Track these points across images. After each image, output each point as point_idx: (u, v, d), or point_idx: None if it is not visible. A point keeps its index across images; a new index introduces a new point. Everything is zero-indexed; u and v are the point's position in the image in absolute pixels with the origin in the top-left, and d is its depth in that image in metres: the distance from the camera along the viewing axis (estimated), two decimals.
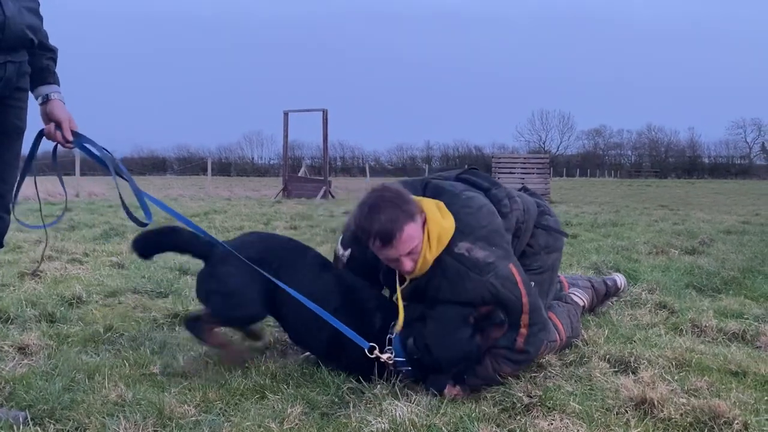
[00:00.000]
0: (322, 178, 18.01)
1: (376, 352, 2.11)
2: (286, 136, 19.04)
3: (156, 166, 78.26)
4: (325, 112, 18.01)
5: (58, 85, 2.02)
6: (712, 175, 74.06)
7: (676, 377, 2.22)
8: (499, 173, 18.65)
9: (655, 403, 1.85)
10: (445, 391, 2.08)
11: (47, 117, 1.98)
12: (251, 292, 2.32)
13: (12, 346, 2.47)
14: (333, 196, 17.55)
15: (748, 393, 2.06)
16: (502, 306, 2.14)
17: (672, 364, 2.33)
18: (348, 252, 2.44)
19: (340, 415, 1.90)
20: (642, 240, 6.29)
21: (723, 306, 3.25)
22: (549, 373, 2.25)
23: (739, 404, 1.91)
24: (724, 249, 5.60)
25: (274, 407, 1.93)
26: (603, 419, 1.83)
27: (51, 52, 1.99)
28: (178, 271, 4.23)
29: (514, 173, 18.51)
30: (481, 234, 2.17)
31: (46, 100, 1.98)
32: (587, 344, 2.59)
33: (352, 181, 31.60)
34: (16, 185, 1.97)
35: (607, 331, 2.76)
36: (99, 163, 2.21)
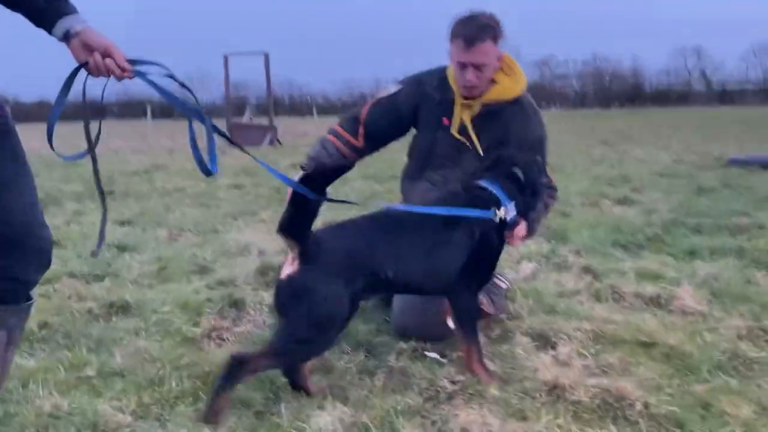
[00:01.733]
0: (268, 124, 17.70)
1: (500, 212, 2.20)
2: (227, 81, 18.52)
3: (96, 111, 75.07)
4: (266, 56, 17.55)
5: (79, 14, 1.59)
6: (655, 103, 75.68)
7: (592, 350, 2.38)
8: None
9: (567, 386, 1.99)
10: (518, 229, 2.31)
11: (83, 49, 1.57)
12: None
13: None
14: (280, 143, 17.33)
15: (655, 367, 2.22)
16: (543, 155, 2.55)
17: (589, 337, 2.48)
18: (397, 88, 2.65)
19: (273, 414, 1.98)
20: (577, 189, 6.49)
21: (644, 266, 3.44)
22: None
23: (643, 382, 2.07)
24: (653, 198, 5.85)
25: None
26: (519, 405, 1.96)
27: None
28: (117, 248, 4.18)
29: None
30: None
31: (73, 34, 1.55)
32: (513, 318, 2.73)
33: (300, 123, 31.12)
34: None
35: (531, 301, 2.91)
36: (166, 97, 1.79)
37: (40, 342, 2.61)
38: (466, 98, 2.50)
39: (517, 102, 2.52)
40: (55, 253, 3.95)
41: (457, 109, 2.53)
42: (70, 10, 1.57)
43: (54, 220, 5.26)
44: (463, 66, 2.41)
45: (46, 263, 1.81)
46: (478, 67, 2.39)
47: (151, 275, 3.59)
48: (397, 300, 2.52)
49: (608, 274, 3.35)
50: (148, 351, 2.47)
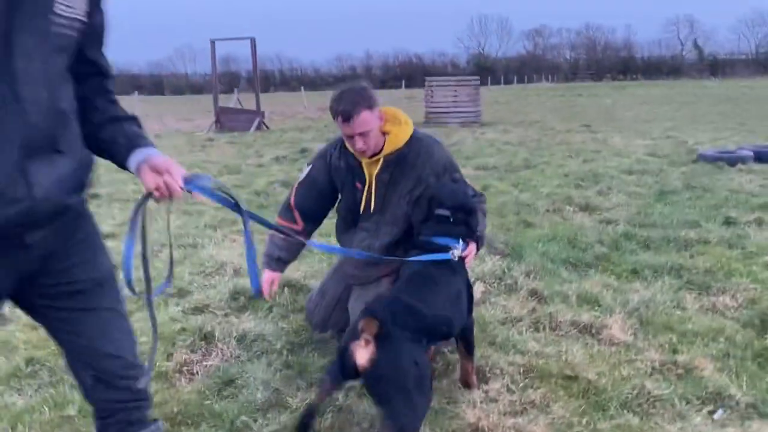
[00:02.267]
0: (255, 109, 17.81)
1: (456, 252, 2.51)
2: (214, 66, 18.57)
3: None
4: (253, 41, 17.59)
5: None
6: (645, 75, 75.70)
7: (521, 385, 2.68)
8: (432, 97, 18.83)
9: (486, 428, 2.29)
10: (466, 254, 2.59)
11: (151, 173, 1.59)
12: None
13: None
14: (267, 127, 17.50)
15: (571, 403, 2.52)
16: (455, 170, 2.84)
17: (520, 371, 2.77)
18: (309, 168, 2.99)
19: None
20: (547, 191, 6.77)
21: (586, 290, 3.71)
22: None
23: (556, 421, 2.37)
24: (616, 203, 6.13)
25: None
26: None
27: (133, 120, 1.69)
28: None
29: (446, 97, 18.69)
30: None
31: (142, 162, 1.60)
32: (454, 352, 3.02)
33: (289, 104, 31.06)
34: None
35: (476, 331, 3.19)
36: (223, 204, 1.87)
37: (27, 378, 2.88)
38: (369, 157, 2.78)
39: (412, 140, 2.79)
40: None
41: (365, 169, 2.83)
42: (144, 143, 1.65)
43: None
44: (350, 137, 2.69)
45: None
46: (362, 134, 2.66)
47: (131, 300, 3.84)
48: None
49: (553, 297, 3.64)
50: None
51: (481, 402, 2.54)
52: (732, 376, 2.69)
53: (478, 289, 3.74)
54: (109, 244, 4.93)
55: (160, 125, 19.50)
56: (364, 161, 2.81)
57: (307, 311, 3.30)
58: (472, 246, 2.65)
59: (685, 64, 78.38)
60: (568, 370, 2.77)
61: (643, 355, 2.90)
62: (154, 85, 73.06)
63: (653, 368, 2.77)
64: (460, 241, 2.57)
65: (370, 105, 2.66)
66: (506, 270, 4.08)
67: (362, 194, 2.87)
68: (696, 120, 16.81)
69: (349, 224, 3.01)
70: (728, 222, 5.24)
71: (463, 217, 2.61)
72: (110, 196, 7.41)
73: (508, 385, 2.67)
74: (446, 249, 2.53)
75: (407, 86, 50.35)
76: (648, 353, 2.91)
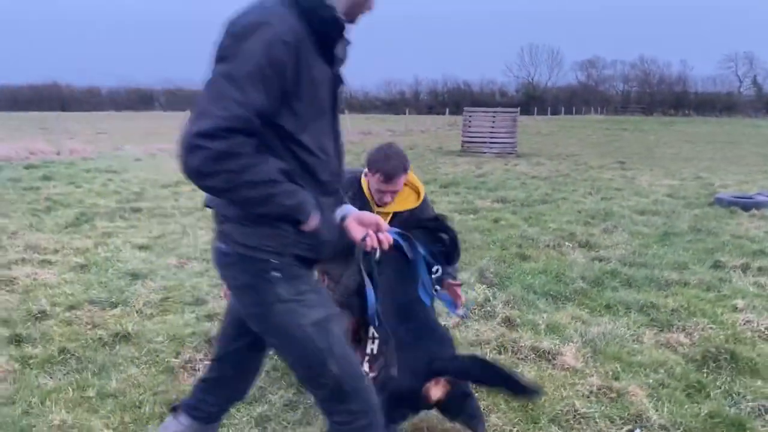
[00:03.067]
0: None
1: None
2: None
3: (143, 99, 77.95)
4: None
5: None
6: (698, 111, 74.37)
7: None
8: (470, 126, 19.27)
9: (425, 429, 2.70)
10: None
11: (359, 225, 1.91)
12: None
13: None
14: None
15: (508, 415, 2.92)
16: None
17: (472, 386, 3.17)
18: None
19: None
20: (554, 226, 7.12)
21: (557, 320, 4.09)
22: None
23: (489, 429, 2.77)
24: (616, 241, 6.44)
25: None
26: None
27: None
28: (131, 276, 5.02)
29: (484, 127, 19.10)
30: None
31: (347, 216, 1.92)
32: None
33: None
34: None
35: None
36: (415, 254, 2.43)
37: (58, 364, 3.43)
38: (378, 206, 3.13)
39: (424, 202, 3.16)
40: (81, 278, 4.86)
41: (371, 205, 3.16)
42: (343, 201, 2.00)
43: (85, 242, 6.16)
44: (382, 192, 2.98)
45: None
46: (393, 192, 2.99)
47: (154, 305, 4.40)
48: None
49: (524, 326, 4.02)
50: (136, 377, 3.28)
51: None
52: (657, 402, 3.04)
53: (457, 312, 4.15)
54: (142, 255, 5.55)
55: None
56: (375, 209, 3.12)
57: None
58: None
59: (740, 101, 76.74)
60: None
61: (586, 380, 3.26)
62: None
63: (590, 391, 3.14)
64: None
65: (407, 169, 2.97)
66: (489, 298, 4.49)
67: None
68: (733, 161, 16.76)
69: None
70: (716, 266, 5.51)
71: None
72: (151, 210, 8.07)
73: None
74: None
75: (454, 113, 50.78)
76: (591, 378, 3.28)
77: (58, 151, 16.01)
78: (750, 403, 3.02)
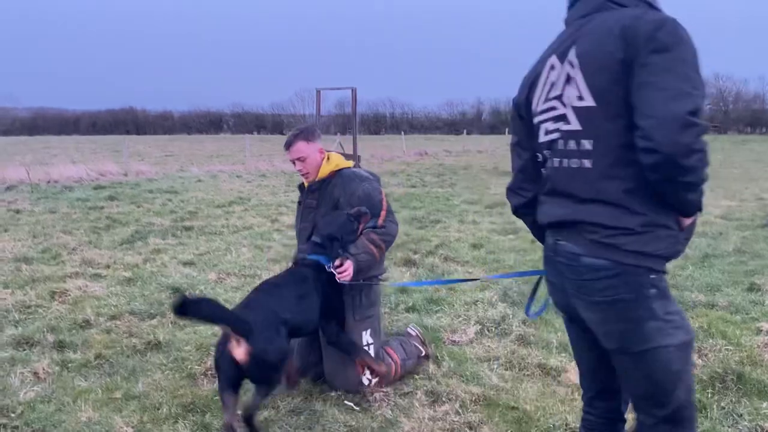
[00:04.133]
0: (352, 153, 18.96)
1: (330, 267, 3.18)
2: (318, 113, 20.03)
3: (213, 123, 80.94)
4: (354, 90, 18.83)
5: None
6: None
7: (469, 410, 3.19)
8: None
9: None
10: (341, 271, 3.17)
11: None
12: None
13: (30, 372, 3.63)
14: None
15: (500, 426, 3.01)
16: (370, 203, 3.36)
17: (472, 399, 3.29)
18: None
19: None
20: None
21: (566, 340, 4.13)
22: (377, 400, 3.25)
23: None
24: None
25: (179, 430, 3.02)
26: None
27: None
28: (172, 290, 5.35)
29: None
30: (366, 175, 3.57)
31: None
32: (426, 377, 3.57)
33: (391, 147, 32.20)
34: None
35: (453, 363, 3.73)
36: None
37: (93, 369, 3.74)
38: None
39: (337, 174, 3.48)
40: (126, 290, 5.23)
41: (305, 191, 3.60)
42: None
43: (136, 258, 6.58)
44: (292, 162, 3.48)
45: None
46: (300, 160, 3.43)
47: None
48: (327, 362, 3.43)
49: (536, 343, 4.09)
50: (160, 382, 3.54)
51: (428, 419, 3.08)
52: None
53: (471, 330, 4.26)
54: (186, 270, 5.89)
55: (268, 166, 21.12)
56: (305, 186, 3.60)
57: None
58: (348, 263, 3.20)
59: None
60: (513, 401, 3.26)
61: None
62: (275, 124, 77.72)
63: None
64: (328, 260, 3.19)
65: (307, 138, 3.43)
66: (507, 316, 4.56)
67: (299, 213, 3.63)
68: None
69: (298, 243, 3.68)
70: (751, 288, 5.38)
71: (331, 243, 3.22)
72: (201, 229, 8.49)
73: (456, 408, 3.19)
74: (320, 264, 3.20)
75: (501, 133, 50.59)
76: None
77: (126, 172, 16.92)
78: (748, 424, 3.00)
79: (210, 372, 3.68)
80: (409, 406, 3.25)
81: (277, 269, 6.14)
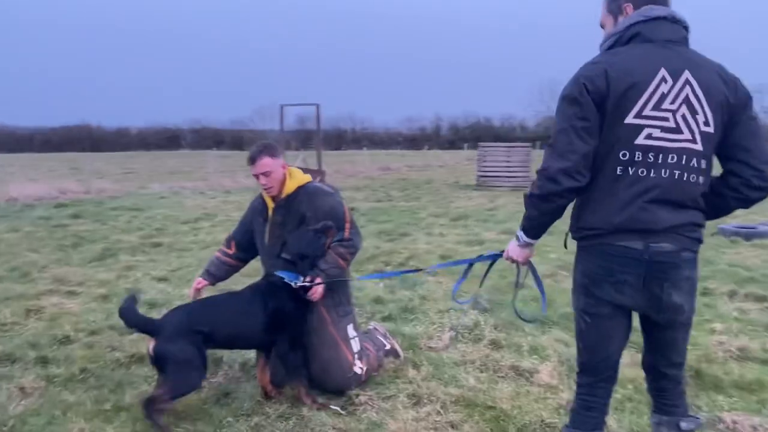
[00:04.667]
0: (317, 168, 19.11)
1: (298, 283, 3.35)
2: (282, 129, 20.15)
3: (171, 139, 79.86)
4: (317, 107, 19.07)
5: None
6: None
7: (450, 410, 3.37)
8: (485, 161, 19.63)
9: None
10: (313, 292, 3.38)
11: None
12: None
13: (16, 387, 3.66)
14: None
15: (480, 425, 3.20)
16: (334, 217, 3.49)
17: (452, 400, 3.47)
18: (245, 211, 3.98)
19: None
20: (553, 256, 7.39)
21: (540, 343, 4.36)
22: (362, 403, 3.40)
23: None
24: None
25: None
26: None
27: None
28: (149, 305, 5.40)
29: (498, 162, 19.45)
30: (329, 189, 3.73)
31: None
32: (407, 380, 3.73)
33: (354, 162, 32.39)
34: None
35: (431, 368, 3.91)
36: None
37: (79, 383, 3.80)
38: (273, 200, 3.63)
39: (300, 190, 3.59)
40: (103, 306, 5.25)
41: (269, 210, 3.67)
42: None
43: (109, 275, 6.59)
44: (256, 177, 3.54)
45: None
46: (264, 174, 3.50)
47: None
48: (316, 359, 3.56)
49: (508, 347, 4.30)
50: (148, 393, 3.62)
51: (411, 420, 3.25)
52: (621, 414, 3.30)
53: (446, 336, 4.45)
54: (160, 286, 5.94)
55: (232, 183, 21.05)
56: (269, 204, 3.66)
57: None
58: (318, 288, 3.41)
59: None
60: (490, 401, 3.45)
61: (558, 395, 3.53)
62: (235, 140, 77.16)
63: (560, 405, 3.41)
64: (298, 277, 3.37)
65: (272, 154, 3.53)
66: (479, 323, 4.77)
67: (265, 229, 3.69)
68: None
69: (264, 261, 3.77)
70: (704, 292, 5.73)
71: (302, 260, 3.40)
72: (171, 245, 8.51)
73: (437, 409, 3.37)
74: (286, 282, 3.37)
75: (473, 148, 51.42)
76: (563, 393, 3.55)
77: (88, 190, 16.70)
78: (706, 414, 3.26)
79: None
80: (393, 408, 3.41)
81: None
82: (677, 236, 2.15)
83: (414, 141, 73.42)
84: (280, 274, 3.39)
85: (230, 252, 3.90)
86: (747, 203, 2.27)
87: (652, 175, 2.12)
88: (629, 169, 2.13)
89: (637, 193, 2.13)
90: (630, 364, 4.01)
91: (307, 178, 3.70)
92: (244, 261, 3.94)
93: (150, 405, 3.06)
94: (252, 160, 3.53)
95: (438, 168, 31.42)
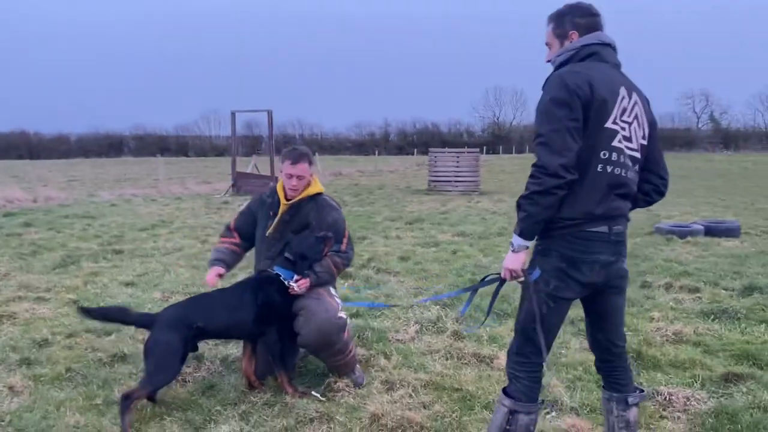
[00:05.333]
0: (270, 174, 19.24)
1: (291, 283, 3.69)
2: (234, 135, 20.18)
3: (113, 146, 77.89)
4: (269, 113, 19.22)
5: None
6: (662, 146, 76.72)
7: (421, 393, 3.70)
8: (436, 166, 20.13)
9: (380, 415, 3.31)
10: (299, 282, 3.68)
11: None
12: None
13: (5, 386, 3.80)
14: None
15: (448, 404, 3.54)
16: (335, 230, 3.88)
17: (422, 384, 3.80)
18: (247, 204, 4.23)
19: (210, 429, 3.31)
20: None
21: (499, 332, 4.75)
22: (340, 390, 3.69)
23: (434, 414, 3.39)
24: None
25: (162, 430, 3.34)
26: (348, 424, 3.28)
27: None
28: None
29: (448, 167, 19.98)
30: (335, 205, 4.09)
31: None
32: (380, 369, 4.05)
33: None
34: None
35: (400, 358, 4.24)
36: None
37: (66, 381, 3.96)
38: (287, 200, 3.92)
39: (311, 199, 3.94)
40: (74, 311, 5.31)
41: (281, 207, 3.94)
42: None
43: (75, 281, 6.68)
44: (290, 176, 3.85)
45: None
46: (298, 177, 3.84)
47: (144, 332, 4.93)
48: (303, 316, 3.74)
49: (470, 337, 4.67)
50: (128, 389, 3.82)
51: (387, 402, 3.56)
52: (572, 391, 3.70)
53: (412, 329, 4.79)
54: (129, 290, 6.08)
55: (182, 189, 20.94)
56: (282, 204, 3.94)
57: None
58: (305, 280, 3.74)
59: (699, 136, 79.63)
60: (456, 384, 3.80)
61: None
62: (180, 146, 75.97)
63: None
64: (291, 274, 3.73)
65: (310, 162, 3.93)
66: (441, 317, 5.13)
67: (271, 222, 3.97)
68: (683, 194, 17.83)
69: (261, 251, 4.06)
70: (644, 285, 6.25)
71: (301, 261, 3.76)
72: (132, 251, 8.59)
73: (410, 392, 3.69)
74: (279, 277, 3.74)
75: (423, 153, 52.18)
76: None
77: (35, 198, 16.37)
78: (646, 388, 3.68)
79: (180, 377, 3.99)
80: (369, 393, 3.72)
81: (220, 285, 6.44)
82: (624, 220, 2.59)
83: (363, 146, 73.83)
84: (277, 270, 3.70)
85: (236, 241, 4.12)
86: (650, 205, 2.83)
87: (621, 173, 2.48)
88: (607, 167, 2.46)
89: (610, 187, 2.48)
90: (579, 349, 4.46)
91: (321, 189, 4.01)
92: (246, 249, 4.19)
93: (126, 399, 3.30)
94: (293, 161, 3.83)
95: (389, 173, 31.86)
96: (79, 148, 76.13)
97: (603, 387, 2.94)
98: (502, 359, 4.16)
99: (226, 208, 15.01)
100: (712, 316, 5.16)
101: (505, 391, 2.74)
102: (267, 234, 3.98)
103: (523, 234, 2.49)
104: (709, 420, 3.33)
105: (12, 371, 4.08)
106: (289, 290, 3.71)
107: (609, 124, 2.46)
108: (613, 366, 2.86)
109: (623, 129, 2.49)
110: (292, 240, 3.83)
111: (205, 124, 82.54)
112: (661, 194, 2.76)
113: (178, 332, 3.48)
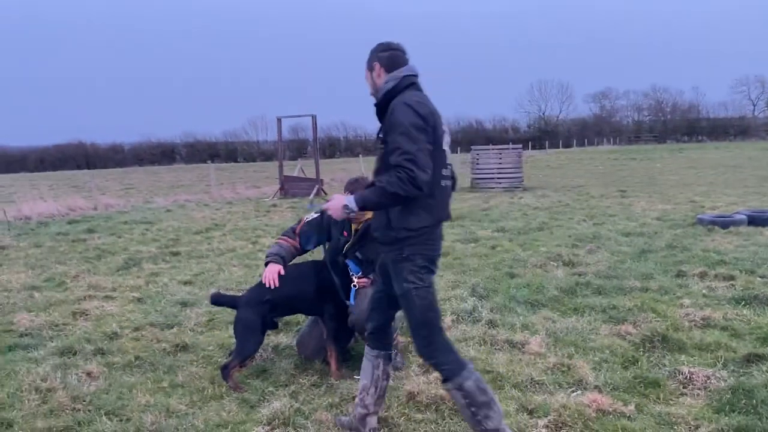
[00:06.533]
0: (315, 177, 19.78)
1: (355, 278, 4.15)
2: (280, 140, 20.81)
3: (165, 154, 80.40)
4: (314, 117, 19.74)
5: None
6: (711, 136, 74.76)
7: None
8: (478, 164, 20.30)
9: (416, 393, 3.64)
10: (362, 280, 4.12)
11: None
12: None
13: (83, 372, 4.28)
14: (325, 193, 19.34)
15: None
16: None
17: None
18: (318, 215, 4.48)
19: (264, 406, 3.70)
20: (543, 249, 8.05)
21: (531, 321, 5.00)
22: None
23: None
24: (597, 259, 7.34)
25: (221, 408, 3.74)
26: (388, 403, 3.62)
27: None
28: (181, 304, 6.03)
29: (491, 164, 20.12)
30: None
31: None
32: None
33: (350, 170, 32.98)
34: None
35: None
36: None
37: (135, 367, 4.41)
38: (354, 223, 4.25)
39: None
40: (140, 308, 5.92)
41: (353, 228, 4.27)
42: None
43: (137, 281, 7.21)
44: None
45: None
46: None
47: (203, 324, 5.40)
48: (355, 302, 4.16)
49: (503, 325, 4.94)
50: (197, 373, 4.25)
51: (423, 383, 3.87)
52: (598, 372, 3.94)
53: (448, 319, 5.09)
54: (187, 288, 6.56)
55: (233, 194, 21.67)
56: (353, 227, 4.26)
57: (298, 342, 4.61)
58: (366, 280, 4.12)
59: (754, 124, 77.13)
60: (488, 367, 4.09)
61: (545, 360, 4.17)
62: (229, 152, 77.79)
63: (547, 367, 4.05)
64: (360, 272, 4.16)
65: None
66: (477, 307, 5.41)
67: (342, 242, 4.29)
68: (731, 185, 17.56)
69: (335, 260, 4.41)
70: (679, 275, 6.38)
71: (368, 264, 4.13)
72: (188, 253, 9.13)
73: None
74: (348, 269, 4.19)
75: (466, 151, 52.15)
76: (549, 358, 4.19)
77: (95, 206, 17.28)
78: (668, 369, 3.91)
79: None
80: (407, 375, 4.05)
81: None
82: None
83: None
84: (348, 262, 4.15)
85: (296, 244, 4.44)
86: None
87: (448, 185, 3.01)
88: (442, 181, 2.94)
89: (447, 197, 3.02)
90: (608, 335, 4.68)
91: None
92: (301, 255, 4.53)
93: (225, 369, 4.01)
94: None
95: None
96: (133, 156, 78.75)
97: (371, 347, 3.31)
98: (534, 344, 4.44)
99: (275, 210, 15.55)
100: (743, 302, 5.29)
101: (443, 382, 3.09)
102: (344, 249, 4.26)
103: (361, 207, 2.87)
104: (726, 396, 3.53)
105: (88, 360, 4.56)
106: (352, 283, 4.11)
107: (444, 146, 2.97)
108: (385, 330, 3.31)
109: (446, 149, 2.98)
110: (365, 246, 4.15)
111: (252, 130, 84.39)
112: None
113: (252, 309, 4.10)
